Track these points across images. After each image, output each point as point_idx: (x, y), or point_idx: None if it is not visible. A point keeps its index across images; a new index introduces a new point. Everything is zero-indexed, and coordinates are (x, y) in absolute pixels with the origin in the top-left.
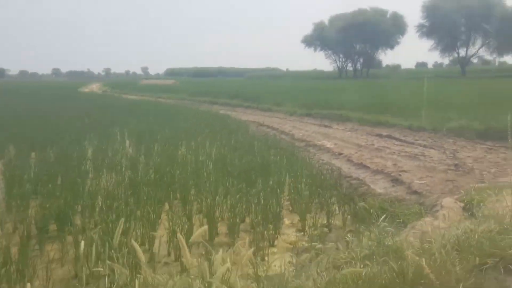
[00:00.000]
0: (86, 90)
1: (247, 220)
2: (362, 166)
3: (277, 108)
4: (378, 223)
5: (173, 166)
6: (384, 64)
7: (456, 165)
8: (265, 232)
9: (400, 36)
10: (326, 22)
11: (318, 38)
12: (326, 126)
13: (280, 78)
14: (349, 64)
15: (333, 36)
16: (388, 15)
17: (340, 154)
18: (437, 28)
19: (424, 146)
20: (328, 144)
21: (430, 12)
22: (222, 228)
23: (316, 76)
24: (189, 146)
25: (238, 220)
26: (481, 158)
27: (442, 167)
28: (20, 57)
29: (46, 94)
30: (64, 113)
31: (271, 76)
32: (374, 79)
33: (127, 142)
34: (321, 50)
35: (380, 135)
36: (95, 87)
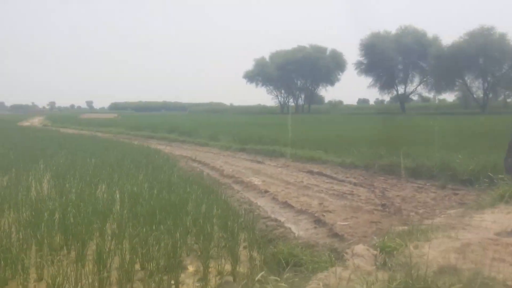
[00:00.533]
0: (26, 123)
1: (148, 266)
2: (286, 205)
3: (213, 143)
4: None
5: (80, 206)
6: (326, 100)
7: (383, 205)
8: (162, 281)
9: (340, 73)
10: (267, 58)
11: (259, 74)
12: (258, 162)
13: (222, 112)
14: (291, 100)
15: (274, 72)
16: (327, 52)
17: (266, 192)
18: (375, 65)
19: (354, 184)
20: (256, 181)
21: (368, 50)
22: (114, 276)
23: (259, 111)
24: (109, 182)
25: (134, 267)
26: (410, 197)
27: (369, 207)
28: None
29: None
30: None
31: (214, 111)
32: (315, 114)
33: (46, 178)
34: (262, 85)
35: (311, 172)
36: (36, 121)
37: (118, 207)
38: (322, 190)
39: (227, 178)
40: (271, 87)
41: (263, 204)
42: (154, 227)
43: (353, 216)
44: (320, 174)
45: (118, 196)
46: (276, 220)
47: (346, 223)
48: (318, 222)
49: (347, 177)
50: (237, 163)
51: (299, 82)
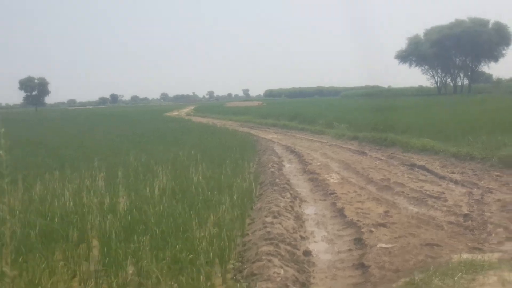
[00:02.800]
0: (174, 113)
1: None
2: (339, 214)
3: (329, 131)
4: None
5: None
6: (494, 77)
7: (466, 215)
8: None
9: (505, 47)
10: (421, 35)
11: (413, 53)
12: (360, 153)
13: (375, 96)
14: (449, 79)
15: (429, 50)
16: (490, 25)
17: (331, 194)
18: None
19: (454, 182)
20: (333, 179)
21: None
22: None
23: (415, 92)
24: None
25: None
26: None
27: (446, 218)
28: (132, 84)
29: (124, 118)
30: (93, 137)
31: (368, 94)
32: (477, 94)
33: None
34: (416, 65)
35: (412, 166)
36: (187, 110)
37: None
38: (403, 192)
39: (306, 173)
40: (426, 66)
41: (313, 211)
42: None
43: (411, 233)
44: (421, 168)
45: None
46: (305, 237)
47: (389, 245)
48: (358, 242)
49: (451, 173)
50: (335, 155)
51: (457, 59)
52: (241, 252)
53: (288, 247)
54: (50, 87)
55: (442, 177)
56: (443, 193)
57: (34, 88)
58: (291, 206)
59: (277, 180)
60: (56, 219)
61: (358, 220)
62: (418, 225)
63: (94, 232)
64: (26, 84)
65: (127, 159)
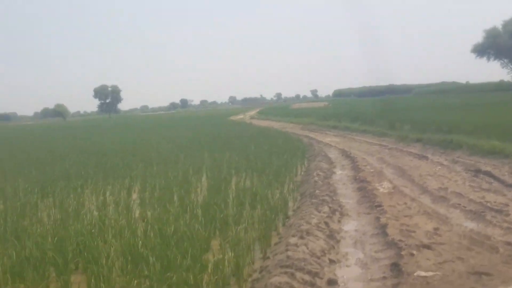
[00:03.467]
0: (239, 117)
1: None
2: (381, 231)
3: (391, 133)
4: None
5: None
6: None
7: None
8: None
9: None
10: (500, 27)
11: (491, 46)
12: (421, 158)
13: (450, 92)
14: None
15: (508, 42)
16: None
17: (378, 206)
18: None
19: None
20: (383, 188)
21: None
22: None
23: (494, 88)
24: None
25: None
26: None
27: (504, 236)
28: (201, 88)
29: (186, 123)
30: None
31: (443, 91)
32: None
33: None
34: (495, 59)
35: (477, 172)
36: (251, 113)
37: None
38: (459, 205)
39: (356, 182)
40: (505, 60)
41: (352, 228)
42: None
43: (458, 257)
44: (487, 174)
45: None
46: (335, 261)
47: (429, 274)
48: (394, 268)
49: None
50: (393, 160)
51: None
52: (253, 282)
53: (307, 277)
54: (123, 94)
55: (509, 186)
56: (507, 205)
57: (108, 96)
58: (326, 222)
59: (317, 191)
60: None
61: (400, 240)
62: (470, 247)
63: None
64: (100, 92)
65: (170, 168)
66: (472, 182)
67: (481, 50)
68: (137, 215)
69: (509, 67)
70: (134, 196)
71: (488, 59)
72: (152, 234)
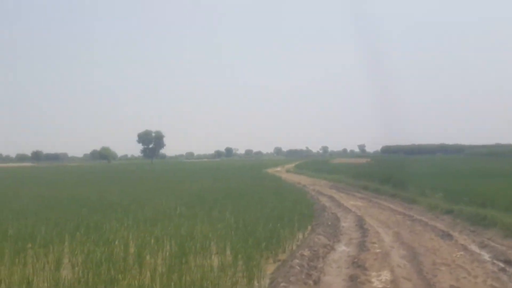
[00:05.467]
0: (274, 169)
1: None
2: None
3: (422, 200)
4: None
5: None
6: None
7: None
8: None
9: None
10: None
11: None
12: (445, 237)
13: (499, 155)
14: None
15: None
16: None
17: None
18: None
19: None
20: (380, 281)
21: None
22: None
23: None
24: None
25: None
26: None
27: None
28: (247, 138)
29: (218, 172)
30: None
31: (497, 153)
32: None
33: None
34: None
35: (508, 263)
36: (289, 166)
37: None
38: None
39: (352, 267)
40: None
41: None
42: None
43: None
44: None
45: None
46: None
47: None
48: None
49: None
50: (410, 237)
51: None
52: None
53: None
54: (167, 140)
55: None
56: None
57: (151, 141)
58: None
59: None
60: None
61: None
62: None
63: None
64: (144, 137)
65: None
66: (496, 280)
67: None
68: None
69: None
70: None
71: None
72: None
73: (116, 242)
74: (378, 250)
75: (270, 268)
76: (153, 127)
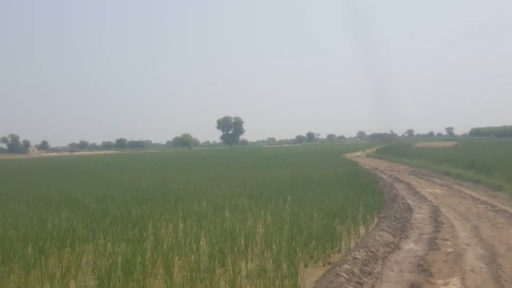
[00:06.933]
0: (354, 154)
1: None
2: None
3: (508, 186)
4: None
5: None
6: None
7: None
8: None
9: None
10: None
11: None
12: None
13: None
14: None
15: None
16: None
17: None
18: None
19: None
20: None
21: None
22: None
23: None
24: None
25: None
26: None
27: None
28: (330, 122)
29: (294, 158)
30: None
31: None
32: None
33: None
34: None
35: None
36: (370, 151)
37: None
38: None
39: (417, 272)
40: None
41: None
42: None
43: None
44: None
45: None
46: None
47: None
48: None
49: None
50: (490, 233)
51: None
52: None
53: None
54: (247, 126)
55: None
56: None
57: (230, 127)
58: None
59: None
60: None
61: None
62: None
63: None
64: (223, 124)
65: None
66: None
67: None
68: None
69: None
70: None
71: None
72: None
73: (146, 242)
74: (450, 250)
75: (318, 273)
76: (235, 114)
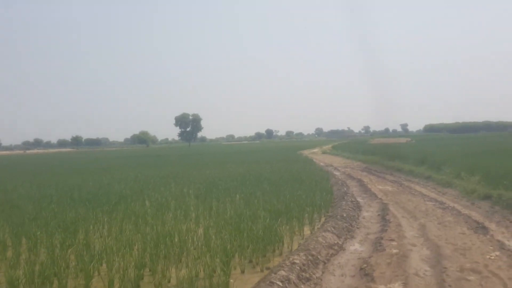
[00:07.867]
0: (311, 151)
1: None
2: None
3: (458, 183)
4: None
5: None
6: None
7: None
8: None
9: None
10: None
11: None
12: (480, 229)
13: None
14: None
15: None
16: None
17: None
18: None
19: None
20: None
21: None
22: None
23: None
24: None
25: None
26: None
27: None
28: (287, 119)
29: (250, 156)
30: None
31: None
32: None
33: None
34: None
35: None
36: (326, 147)
37: None
38: None
39: (358, 276)
40: None
41: None
42: None
43: None
44: None
45: None
46: None
47: None
48: None
49: None
50: (436, 232)
51: None
52: None
53: None
54: (205, 123)
55: None
56: None
57: (188, 124)
58: None
59: None
60: None
61: None
62: None
63: None
64: (181, 120)
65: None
66: None
67: None
68: None
69: None
70: None
71: None
72: None
73: (71, 249)
74: (395, 251)
75: (254, 279)
76: (195, 111)
